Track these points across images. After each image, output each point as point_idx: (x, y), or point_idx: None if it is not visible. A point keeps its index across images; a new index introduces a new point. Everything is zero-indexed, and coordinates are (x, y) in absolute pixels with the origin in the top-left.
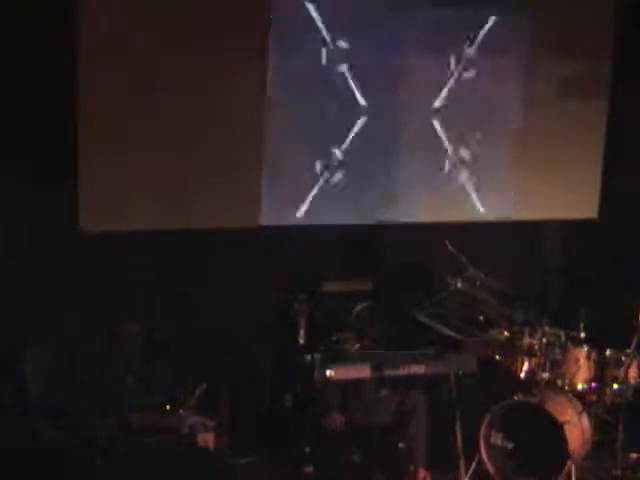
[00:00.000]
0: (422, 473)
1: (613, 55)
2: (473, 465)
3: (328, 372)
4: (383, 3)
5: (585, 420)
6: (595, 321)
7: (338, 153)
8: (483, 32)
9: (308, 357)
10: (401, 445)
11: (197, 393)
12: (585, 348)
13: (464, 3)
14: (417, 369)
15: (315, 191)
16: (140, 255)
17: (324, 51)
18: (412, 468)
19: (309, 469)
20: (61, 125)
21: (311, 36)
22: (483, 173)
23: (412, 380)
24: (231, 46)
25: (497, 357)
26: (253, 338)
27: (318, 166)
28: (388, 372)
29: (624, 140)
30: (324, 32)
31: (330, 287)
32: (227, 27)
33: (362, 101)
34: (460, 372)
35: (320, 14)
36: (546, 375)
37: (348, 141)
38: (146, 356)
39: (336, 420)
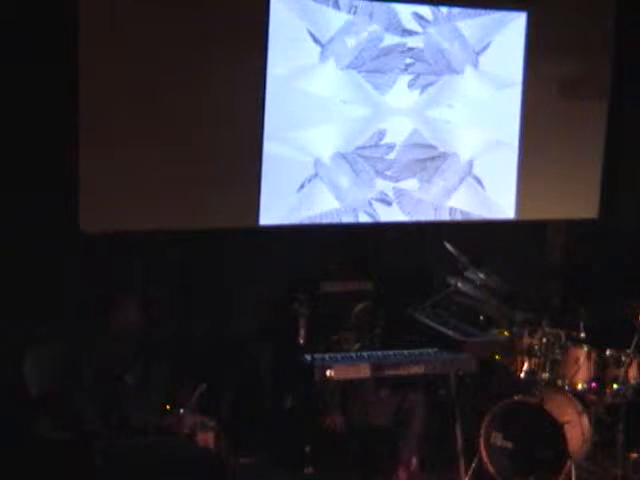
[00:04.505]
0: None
1: (613, 55)
2: (473, 465)
3: (328, 372)
4: None
5: (585, 420)
6: (595, 321)
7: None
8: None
9: (308, 357)
10: (401, 445)
11: (197, 393)
12: (585, 348)
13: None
14: (417, 369)
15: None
16: (139, 255)
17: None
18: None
19: (309, 469)
20: (61, 125)
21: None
22: (484, 173)
23: (412, 380)
24: (230, 46)
25: (497, 357)
26: (253, 338)
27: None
28: (388, 372)
29: (624, 140)
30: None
31: (330, 287)
32: (226, 27)
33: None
34: (460, 372)
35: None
36: (546, 375)
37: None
38: (146, 356)
39: (336, 420)
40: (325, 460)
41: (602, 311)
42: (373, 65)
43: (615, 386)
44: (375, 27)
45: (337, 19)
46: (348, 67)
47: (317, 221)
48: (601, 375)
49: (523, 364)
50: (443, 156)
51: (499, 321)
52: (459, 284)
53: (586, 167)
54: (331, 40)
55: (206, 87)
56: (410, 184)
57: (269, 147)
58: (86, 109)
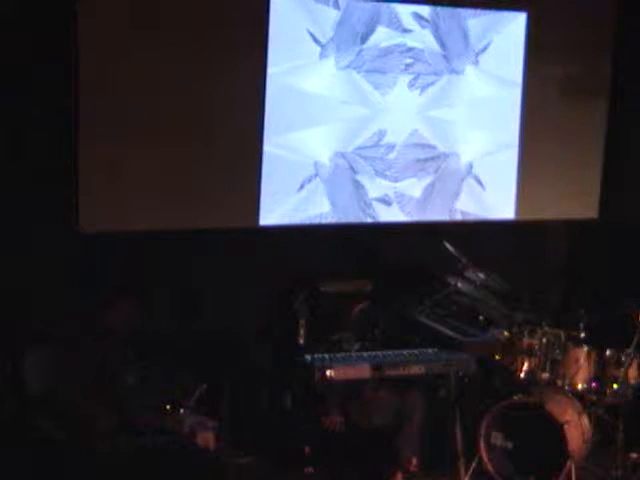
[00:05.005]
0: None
1: (613, 55)
2: (473, 465)
3: (328, 372)
4: None
5: (585, 420)
6: (595, 321)
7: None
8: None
9: (308, 357)
10: (401, 445)
11: (197, 393)
12: (585, 348)
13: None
14: (417, 369)
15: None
16: (139, 255)
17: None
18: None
19: (309, 469)
20: (61, 125)
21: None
22: (483, 173)
23: (412, 380)
24: (230, 46)
25: (497, 357)
26: (253, 338)
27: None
28: (388, 372)
29: (624, 140)
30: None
31: (330, 287)
32: (225, 26)
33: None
34: (460, 372)
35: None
36: (546, 375)
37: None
38: (146, 356)
39: (336, 420)
40: (325, 460)
41: (602, 311)
42: (373, 65)
43: (615, 386)
44: (375, 27)
45: (337, 19)
46: (348, 67)
47: (317, 221)
48: (601, 375)
49: (523, 364)
50: (443, 156)
51: (499, 321)
52: (459, 284)
53: (586, 167)
54: (331, 40)
55: (206, 87)
56: (410, 184)
57: (269, 147)
58: (85, 108)
